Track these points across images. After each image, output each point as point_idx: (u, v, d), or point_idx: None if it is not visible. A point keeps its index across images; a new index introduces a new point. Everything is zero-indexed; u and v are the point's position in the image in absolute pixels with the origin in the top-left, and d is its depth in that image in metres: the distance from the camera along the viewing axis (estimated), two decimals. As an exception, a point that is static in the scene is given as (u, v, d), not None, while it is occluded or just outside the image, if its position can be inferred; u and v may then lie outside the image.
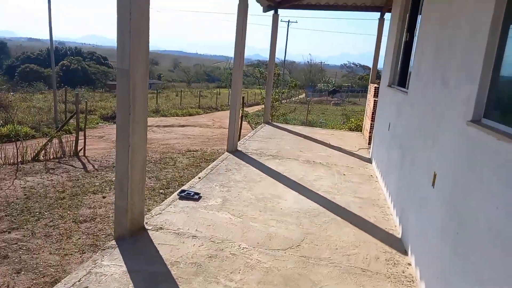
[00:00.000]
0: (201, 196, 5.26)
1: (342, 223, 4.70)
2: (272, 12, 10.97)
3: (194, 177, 6.32)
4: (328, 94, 57.12)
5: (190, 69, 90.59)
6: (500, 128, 2.23)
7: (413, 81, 4.79)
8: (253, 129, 15.65)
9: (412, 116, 4.51)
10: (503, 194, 1.96)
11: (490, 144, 2.21)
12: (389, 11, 10.09)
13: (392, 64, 6.94)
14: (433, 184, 3.29)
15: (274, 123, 12.72)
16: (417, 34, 5.34)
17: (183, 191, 5.36)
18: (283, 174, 6.61)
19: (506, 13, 2.39)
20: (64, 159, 10.22)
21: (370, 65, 11.55)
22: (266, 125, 11.76)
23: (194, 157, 11.27)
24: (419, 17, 5.39)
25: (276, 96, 15.56)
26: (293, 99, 45.62)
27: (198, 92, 38.84)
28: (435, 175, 3.29)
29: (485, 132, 2.31)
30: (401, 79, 6.21)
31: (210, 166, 6.85)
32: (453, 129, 2.95)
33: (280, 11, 10.96)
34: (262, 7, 10.62)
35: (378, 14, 10.91)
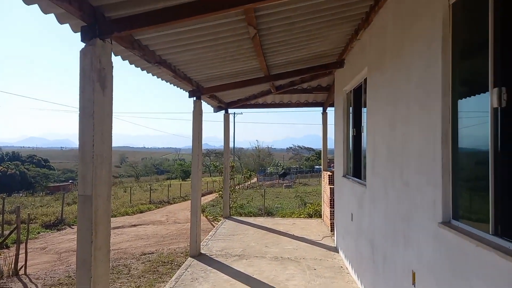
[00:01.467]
0: (170, 316, 4.81)
1: (325, 330, 4.46)
2: (222, 112, 11.56)
3: (153, 287, 5.80)
4: (279, 177, 58.38)
5: (138, 163, 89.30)
6: (472, 231, 2.39)
7: (370, 176, 5.09)
8: (210, 223, 15.25)
9: (377, 212, 4.69)
10: (495, 304, 2.02)
11: (469, 249, 2.33)
12: (331, 105, 11.11)
13: (344, 156, 7.40)
14: (413, 283, 3.33)
15: (234, 217, 12.52)
16: (364, 130, 5.83)
17: (149, 312, 4.88)
18: (253, 276, 6.33)
19: (453, 130, 2.73)
20: (1, 281, 9.01)
21: (314, 146, 12.20)
22: (227, 220, 11.54)
23: (150, 261, 10.50)
24: (364, 113, 5.94)
25: (233, 189, 15.62)
26: (246, 184, 45.92)
27: (148, 186, 37.84)
28: (414, 274, 3.34)
29: (459, 237, 2.45)
30: (356, 170, 6.59)
31: (174, 277, 6.40)
32: (425, 230, 3.10)
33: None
34: (212, 108, 11.16)
35: (320, 109, 11.91)
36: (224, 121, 11.81)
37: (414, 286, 3.31)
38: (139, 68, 5.46)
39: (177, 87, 7.33)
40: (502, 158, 2.18)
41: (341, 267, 6.83)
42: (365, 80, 5.69)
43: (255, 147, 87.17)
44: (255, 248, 8.18)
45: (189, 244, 8.08)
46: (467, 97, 2.75)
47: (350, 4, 4.62)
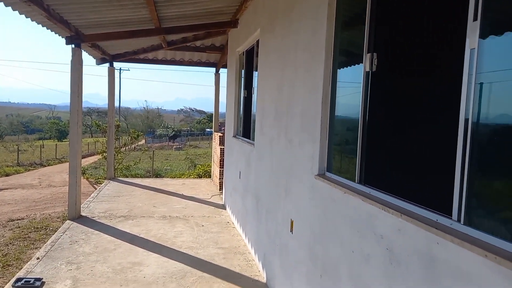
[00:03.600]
0: (44, 282, 4.45)
1: (210, 280, 4.69)
2: (107, 65, 10.59)
3: (25, 254, 5.29)
4: (169, 139, 57.11)
5: (1, 120, 77.00)
6: (342, 181, 2.72)
7: (258, 136, 5.33)
8: (92, 185, 14.25)
9: (262, 169, 4.98)
10: (356, 239, 2.37)
11: (338, 197, 2.66)
12: (224, 66, 11.10)
13: (235, 117, 7.57)
14: (291, 231, 3.68)
15: (120, 179, 11.91)
16: (255, 92, 6.02)
17: (19, 279, 4.44)
18: (140, 236, 6.22)
19: (332, 91, 2.99)
20: None
21: (205, 109, 12.25)
22: (111, 181, 10.92)
23: (19, 227, 9.39)
24: (255, 75, 6.11)
25: (118, 150, 14.69)
26: (133, 146, 43.79)
27: (16, 147, 33.11)
28: (292, 222, 3.69)
29: (332, 186, 2.76)
30: (246, 131, 6.82)
31: (50, 241, 5.89)
32: (303, 182, 3.41)
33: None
34: (95, 60, 10.12)
35: (213, 69, 11.81)
36: (109, 76, 10.86)
37: (292, 233, 3.66)
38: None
39: (52, 31, 6.39)
40: (369, 115, 2.48)
41: (228, 222, 7.16)
42: (258, 42, 5.80)
43: (144, 107, 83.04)
44: (142, 208, 7.98)
45: (67, 208, 7.46)
46: (347, 61, 3.02)
47: (246, -39, 4.56)
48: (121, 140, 21.11)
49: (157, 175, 20.77)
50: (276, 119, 4.41)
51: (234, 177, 7.27)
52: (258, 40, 5.64)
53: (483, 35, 1.57)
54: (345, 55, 3.01)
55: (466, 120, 1.60)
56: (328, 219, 2.84)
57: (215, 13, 6.97)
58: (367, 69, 2.48)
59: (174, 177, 15.15)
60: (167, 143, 54.62)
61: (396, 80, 2.44)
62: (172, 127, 68.56)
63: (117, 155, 14.14)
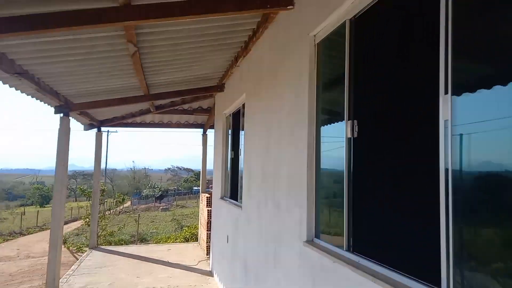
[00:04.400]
0: None
1: None
2: (94, 130, 10.66)
3: None
4: (156, 199, 55.92)
5: (-19, 186, 74.83)
6: (331, 249, 2.65)
7: (246, 198, 5.28)
8: (73, 255, 13.56)
9: (251, 234, 4.86)
10: (349, 313, 2.26)
11: (327, 265, 2.58)
12: (212, 127, 11.29)
13: (222, 178, 7.54)
14: (282, 301, 3.50)
15: (103, 247, 11.41)
16: (242, 153, 6.07)
17: None
18: (122, 310, 5.82)
19: (316, 155, 3.04)
20: None
21: (193, 167, 12.20)
22: (93, 250, 10.43)
23: (-9, 305, 8.74)
24: (242, 136, 6.19)
25: (102, 215, 14.26)
26: (118, 209, 42.66)
27: (-4, 214, 31.78)
28: (282, 292, 3.52)
29: (321, 254, 2.69)
30: (233, 192, 6.76)
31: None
32: (292, 249, 3.32)
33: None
34: (83, 125, 10.19)
35: (201, 130, 11.99)
36: (96, 140, 10.88)
37: (283, 304, 3.48)
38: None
39: (41, 101, 6.47)
40: (354, 181, 2.50)
41: (216, 290, 6.80)
42: (244, 105, 5.97)
43: (131, 168, 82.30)
44: (125, 280, 7.56)
45: (44, 282, 7.01)
46: (329, 125, 3.11)
47: (230, 32, 4.84)
48: (106, 204, 20.55)
49: (142, 239, 20.02)
50: (263, 181, 4.40)
51: (221, 241, 7.05)
52: (244, 103, 5.81)
53: (456, 92, 1.66)
54: (328, 113, 3.10)
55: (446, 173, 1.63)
56: (320, 288, 2.73)
57: (202, 78, 7.24)
58: (349, 136, 2.54)
59: (160, 242, 14.62)
60: (153, 204, 53.42)
61: (378, 144, 2.51)
62: (159, 186, 67.42)
63: (101, 221, 13.68)
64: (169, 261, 9.04)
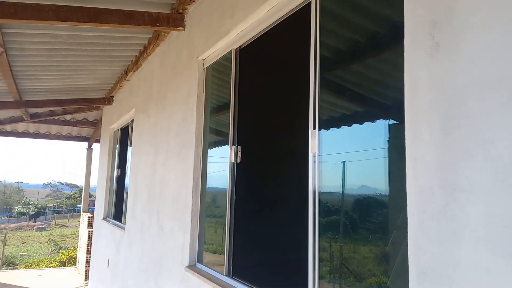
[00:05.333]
0: None
1: None
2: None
3: None
4: (30, 218, 49.28)
5: None
6: (212, 274, 2.63)
7: (129, 219, 4.96)
8: None
9: (132, 257, 4.56)
10: None
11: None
12: (98, 141, 10.45)
13: (106, 196, 6.99)
14: (162, 330, 3.33)
15: (-49, 275, 9.50)
16: (128, 171, 5.72)
17: None
18: None
19: (202, 178, 3.02)
20: None
21: (79, 183, 11.12)
22: None
23: None
24: (129, 154, 5.86)
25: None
26: (-21, 229, 36.34)
27: None
28: (163, 320, 3.35)
29: (201, 280, 2.64)
30: (117, 213, 6.29)
31: None
32: (173, 274, 3.20)
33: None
34: None
35: (85, 144, 11.00)
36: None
37: (162, 333, 3.31)
38: None
39: None
40: (236, 205, 2.53)
41: (93, 321, 6.18)
42: (133, 120, 5.67)
43: (0, 181, 71.28)
44: (-22, 315, 6.37)
45: None
46: (216, 148, 3.12)
47: (119, 45, 4.58)
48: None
49: (9, 263, 17.39)
50: (149, 202, 4.20)
51: (102, 265, 6.48)
52: (133, 119, 5.52)
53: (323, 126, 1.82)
54: (216, 136, 3.12)
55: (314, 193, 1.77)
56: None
57: (88, 89, 6.68)
58: (232, 161, 2.59)
59: (30, 267, 12.83)
60: (26, 222, 46.99)
61: (259, 169, 2.60)
62: (35, 203, 59.73)
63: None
64: (39, 290, 7.94)
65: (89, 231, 8.56)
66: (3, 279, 8.73)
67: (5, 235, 18.96)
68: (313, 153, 1.85)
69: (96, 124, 9.57)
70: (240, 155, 2.57)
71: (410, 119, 1.31)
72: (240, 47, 2.70)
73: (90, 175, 10.67)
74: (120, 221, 5.83)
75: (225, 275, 2.48)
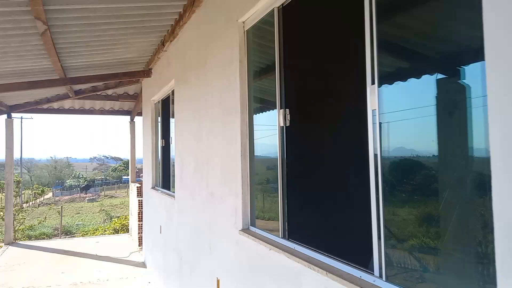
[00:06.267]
0: None
1: None
2: (4, 116, 9.56)
3: None
4: (81, 190, 52.60)
5: None
6: (267, 236, 2.67)
7: (178, 187, 5.13)
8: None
9: (184, 223, 4.74)
10: (284, 299, 2.30)
11: (264, 253, 2.59)
12: (140, 114, 10.74)
13: (153, 167, 7.24)
14: (218, 290, 3.49)
15: (21, 242, 10.43)
16: (173, 141, 5.86)
17: None
18: (46, 313, 5.39)
19: (250, 143, 3.01)
20: None
21: (122, 156, 11.60)
22: (10, 247, 9.49)
23: None
24: (172, 124, 5.98)
25: (19, 208, 12.99)
26: (38, 201, 39.36)
27: None
28: (218, 281, 3.50)
29: (257, 242, 2.69)
30: (165, 182, 6.53)
31: None
32: (227, 237, 3.29)
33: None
34: (-10, 111, 9.09)
35: (128, 117, 11.34)
36: (6, 128, 9.76)
37: (219, 292, 3.47)
38: None
39: None
40: (287, 169, 2.51)
41: (149, 283, 6.61)
42: (173, 91, 5.73)
43: (51, 157, 76.06)
44: (48, 277, 7.00)
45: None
46: (262, 113, 3.09)
47: (155, 15, 4.54)
48: (23, 196, 18.81)
49: (67, 232, 18.79)
50: (196, 170, 4.29)
51: (154, 231, 6.83)
52: (173, 90, 5.57)
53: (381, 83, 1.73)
54: (261, 102, 3.08)
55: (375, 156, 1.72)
56: (255, 277, 2.74)
57: (127, 63, 6.78)
58: (281, 124, 2.54)
59: (87, 234, 13.80)
60: (78, 194, 50.24)
61: (310, 132, 2.55)
62: (84, 176, 63.51)
63: (18, 214, 12.48)
64: (98, 254, 8.56)
65: (139, 200, 8.99)
66: (65, 246, 9.48)
67: (61, 206, 20.39)
68: (372, 110, 1.76)
69: (136, 97, 9.80)
70: (288, 118, 2.52)
71: (493, 59, 1.18)
72: (282, 4, 2.57)
73: (134, 147, 11.08)
74: (169, 189, 6.05)
75: (281, 237, 2.51)
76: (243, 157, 3.06)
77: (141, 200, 8.82)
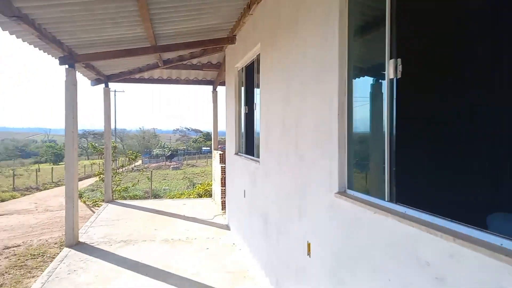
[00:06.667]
0: (42, 319, 4.12)
1: (220, 309, 4.37)
2: (102, 85, 10.42)
3: (21, 284, 4.95)
4: (166, 159, 56.76)
5: (-4, 145, 76.37)
6: (369, 200, 2.47)
7: (263, 152, 5.10)
8: (90, 209, 13.87)
9: (270, 187, 4.72)
10: (393, 266, 2.11)
11: (366, 217, 2.41)
12: (222, 84, 10.96)
13: (236, 134, 7.34)
14: (308, 254, 3.41)
15: (119, 201, 11.58)
16: (257, 108, 5.82)
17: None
18: (143, 262, 5.89)
19: (348, 102, 2.78)
20: None
21: (201, 128, 12.03)
22: (109, 204, 10.59)
23: (15, 254, 8.99)
24: (256, 90, 5.93)
25: (115, 172, 14.40)
26: (131, 167, 43.48)
27: (11, 171, 32.49)
28: (309, 245, 3.42)
29: (357, 205, 2.51)
30: (249, 148, 6.59)
31: (46, 271, 5.55)
32: (320, 201, 3.16)
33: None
34: (90, 81, 9.97)
35: (211, 87, 11.65)
36: (104, 96, 10.67)
37: (309, 257, 3.39)
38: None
39: (44, 52, 6.19)
40: (397, 128, 2.26)
41: (234, 244, 6.86)
42: (258, 56, 5.63)
43: (140, 128, 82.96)
44: (142, 232, 7.65)
45: (64, 234, 7.13)
46: (364, 70, 2.82)
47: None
48: (118, 161, 20.80)
49: (156, 195, 20.40)
50: (284, 134, 4.19)
51: (238, 196, 7.00)
52: (259, 54, 5.47)
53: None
54: (363, 58, 2.81)
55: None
56: (354, 242, 2.58)
57: (212, 29, 6.83)
58: (391, 76, 2.27)
59: (174, 198, 14.82)
60: (164, 163, 54.24)
61: (426, 85, 2.24)
62: (169, 146, 68.31)
63: (115, 176, 13.83)
64: (185, 215, 9.13)
65: (221, 167, 9.29)
66: (156, 206, 10.28)
67: (151, 172, 22.18)
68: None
69: (219, 66, 9.96)
70: (400, 69, 2.23)
71: None
72: None
73: (217, 116, 11.40)
74: (253, 155, 6.08)
75: (387, 201, 2.30)
76: (341, 116, 2.85)
77: (224, 166, 9.10)
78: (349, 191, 2.77)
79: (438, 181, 2.28)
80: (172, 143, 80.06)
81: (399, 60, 2.24)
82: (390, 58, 2.29)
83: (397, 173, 2.27)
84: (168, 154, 59.82)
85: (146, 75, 10.76)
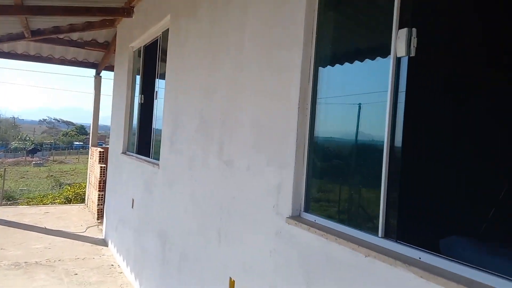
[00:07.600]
0: None
1: None
2: None
3: None
4: (27, 153, 49.00)
5: None
6: (352, 234, 1.71)
7: (166, 153, 4.02)
8: None
9: (176, 199, 3.66)
10: None
11: (348, 261, 1.63)
12: (108, 68, 9.26)
13: (126, 128, 6.00)
14: (232, 295, 2.51)
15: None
16: (159, 98, 4.71)
17: None
18: (-25, 300, 4.15)
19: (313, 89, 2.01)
20: None
21: (74, 121, 10.14)
22: None
23: None
24: (159, 75, 4.83)
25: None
26: (-24, 162, 35.93)
27: None
28: (232, 282, 2.52)
29: (326, 239, 1.73)
30: (143, 146, 5.32)
31: None
32: (258, 225, 2.30)
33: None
34: None
35: (93, 71, 9.79)
36: None
37: (233, 299, 2.49)
38: None
39: None
40: (405, 135, 1.54)
41: (112, 265, 5.49)
42: (165, 33, 4.54)
43: (-5, 114, 70.09)
44: (-19, 252, 5.64)
45: None
46: (349, 48, 2.09)
47: None
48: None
49: (10, 198, 16.86)
50: (201, 132, 3.22)
51: (123, 205, 5.66)
52: (167, 29, 4.37)
53: None
54: (344, 38, 2.07)
55: None
56: (322, 292, 1.78)
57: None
58: (402, 53, 1.56)
59: (33, 203, 12.18)
60: (24, 158, 46.73)
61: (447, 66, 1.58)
62: (32, 139, 59.21)
63: None
64: (47, 227, 7.20)
65: (101, 167, 7.68)
66: (6, 216, 7.96)
67: (4, 169, 18.21)
68: None
69: (106, 47, 8.31)
70: (415, 45, 1.53)
71: None
72: None
73: (99, 106, 9.59)
74: (148, 155, 4.89)
75: (381, 237, 1.56)
76: (301, 109, 2.05)
77: (104, 167, 7.54)
78: (306, 215, 1.98)
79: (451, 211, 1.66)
80: (37, 136, 69.78)
81: (413, 30, 1.54)
82: (399, 28, 1.58)
83: (400, 197, 1.55)
84: (30, 148, 51.73)
85: (5, 47, 8.38)
